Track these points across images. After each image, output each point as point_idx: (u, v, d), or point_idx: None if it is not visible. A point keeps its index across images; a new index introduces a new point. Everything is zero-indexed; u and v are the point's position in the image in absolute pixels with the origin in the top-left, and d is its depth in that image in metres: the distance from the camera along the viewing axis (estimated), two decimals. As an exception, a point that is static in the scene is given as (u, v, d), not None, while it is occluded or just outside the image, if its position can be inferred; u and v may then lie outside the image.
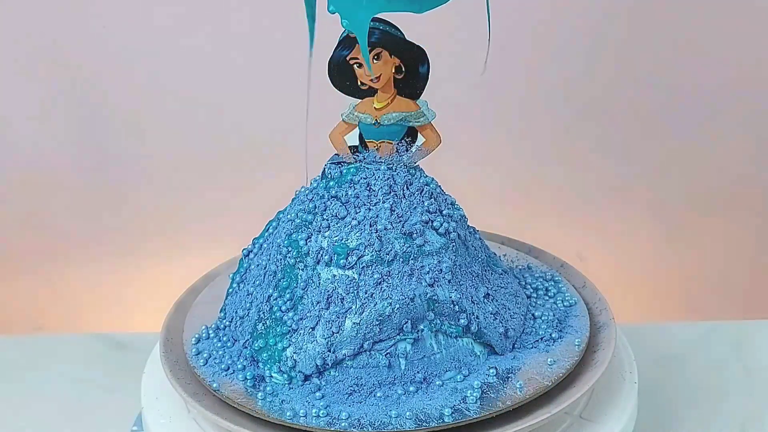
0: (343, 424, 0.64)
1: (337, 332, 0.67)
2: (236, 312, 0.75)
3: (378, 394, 0.67)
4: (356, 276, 0.68)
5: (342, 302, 0.68)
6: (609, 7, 1.08)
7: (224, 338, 0.74)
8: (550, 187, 1.18)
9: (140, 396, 0.75)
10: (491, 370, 0.69)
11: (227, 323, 0.75)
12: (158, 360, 0.74)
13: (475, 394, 0.66)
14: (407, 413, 0.65)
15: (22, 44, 1.09)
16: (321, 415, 0.65)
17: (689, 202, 1.18)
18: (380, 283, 0.68)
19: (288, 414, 0.65)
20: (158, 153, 1.17)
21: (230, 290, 0.77)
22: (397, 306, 0.67)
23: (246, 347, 0.71)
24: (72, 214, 1.18)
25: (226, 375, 0.70)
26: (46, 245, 1.19)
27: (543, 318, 0.75)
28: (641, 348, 0.90)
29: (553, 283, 0.81)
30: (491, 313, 0.71)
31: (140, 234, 1.19)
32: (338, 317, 0.68)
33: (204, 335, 0.75)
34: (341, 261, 0.69)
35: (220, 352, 0.72)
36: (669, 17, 1.08)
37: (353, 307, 0.68)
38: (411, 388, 0.67)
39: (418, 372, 0.68)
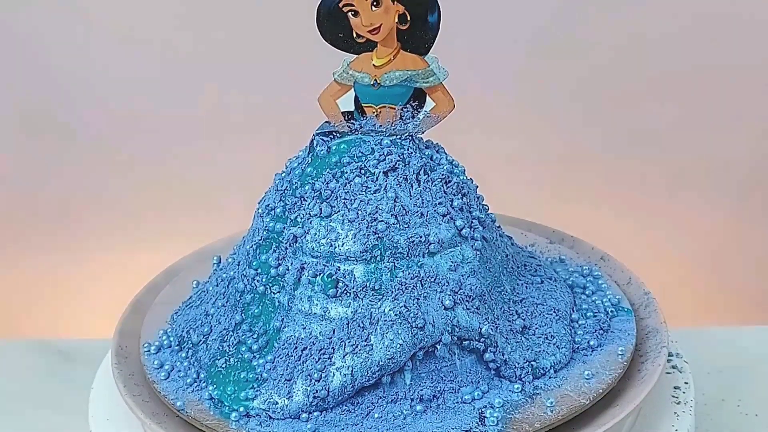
0: (334, 452, 0.64)
1: (323, 389, 0.66)
2: (187, 333, 0.74)
3: (376, 415, 0.66)
4: (348, 307, 0.67)
5: (328, 347, 0.66)
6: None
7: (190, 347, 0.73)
8: (590, 163, 1.18)
9: (87, 416, 0.75)
10: (516, 385, 0.68)
11: (176, 341, 0.74)
12: (110, 373, 0.74)
13: (495, 415, 0.66)
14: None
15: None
16: (308, 441, 0.65)
17: (761, 179, 1.18)
18: (379, 310, 0.66)
19: (268, 439, 0.65)
20: (109, 133, 1.17)
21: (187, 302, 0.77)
22: (399, 343, 0.66)
23: (202, 385, 0.69)
24: (7, 201, 1.18)
25: (192, 391, 0.69)
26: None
27: (579, 322, 0.75)
28: (699, 358, 0.90)
29: (591, 279, 0.80)
30: (525, 362, 0.69)
31: (90, 224, 1.20)
32: (323, 369, 0.66)
33: (165, 343, 0.74)
34: (330, 289, 0.67)
35: (185, 364, 0.72)
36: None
37: (340, 351, 0.66)
38: (417, 407, 0.67)
39: (426, 387, 0.67)
